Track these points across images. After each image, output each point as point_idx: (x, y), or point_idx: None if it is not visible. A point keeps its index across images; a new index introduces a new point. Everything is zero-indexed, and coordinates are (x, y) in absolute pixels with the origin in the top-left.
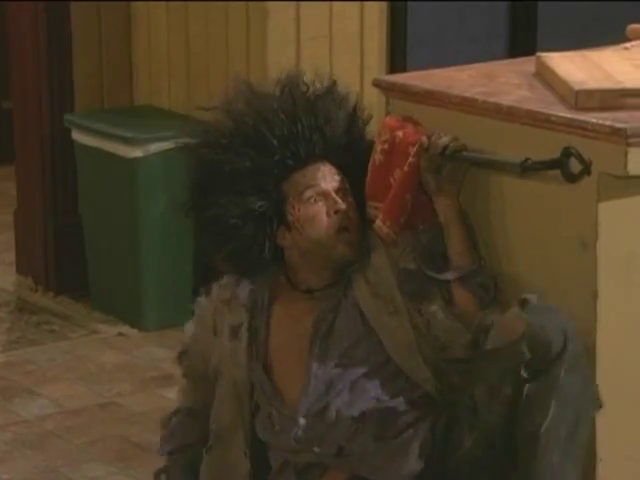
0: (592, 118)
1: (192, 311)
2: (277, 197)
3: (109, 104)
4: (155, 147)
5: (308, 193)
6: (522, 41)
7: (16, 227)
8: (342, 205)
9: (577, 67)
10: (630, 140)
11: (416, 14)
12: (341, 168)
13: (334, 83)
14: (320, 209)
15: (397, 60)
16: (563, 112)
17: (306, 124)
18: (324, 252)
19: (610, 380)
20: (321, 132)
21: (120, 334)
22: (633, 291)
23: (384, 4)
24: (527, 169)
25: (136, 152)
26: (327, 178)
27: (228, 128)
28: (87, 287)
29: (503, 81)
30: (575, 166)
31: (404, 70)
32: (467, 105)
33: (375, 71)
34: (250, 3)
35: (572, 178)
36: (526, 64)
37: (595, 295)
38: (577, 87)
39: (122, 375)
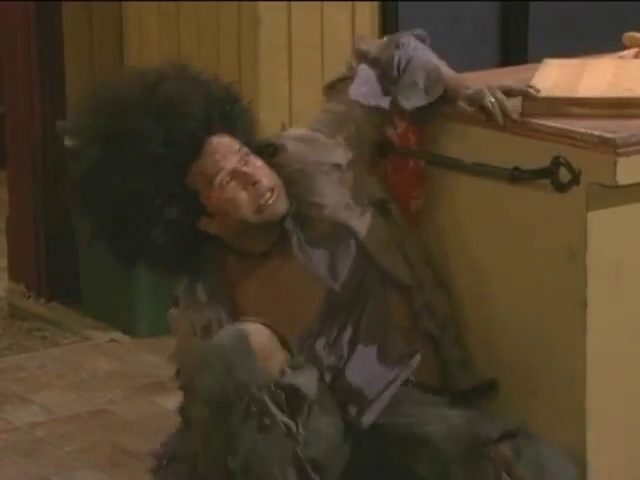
0: (581, 128)
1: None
2: (187, 196)
3: None
4: None
5: (217, 180)
6: (514, 48)
7: (8, 233)
8: (256, 175)
9: (558, 74)
10: (619, 150)
11: (407, 21)
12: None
13: (183, 67)
14: (236, 189)
15: None
16: (553, 122)
17: (162, 115)
18: (258, 222)
19: (599, 389)
20: (183, 115)
21: (112, 340)
22: (622, 300)
23: (375, 8)
24: (517, 178)
25: None
26: (226, 155)
27: (94, 156)
28: (79, 293)
29: None
30: (564, 175)
31: None
32: (457, 114)
33: None
34: (242, 9)
35: (561, 187)
36: (521, 72)
37: (584, 304)
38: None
39: (114, 382)
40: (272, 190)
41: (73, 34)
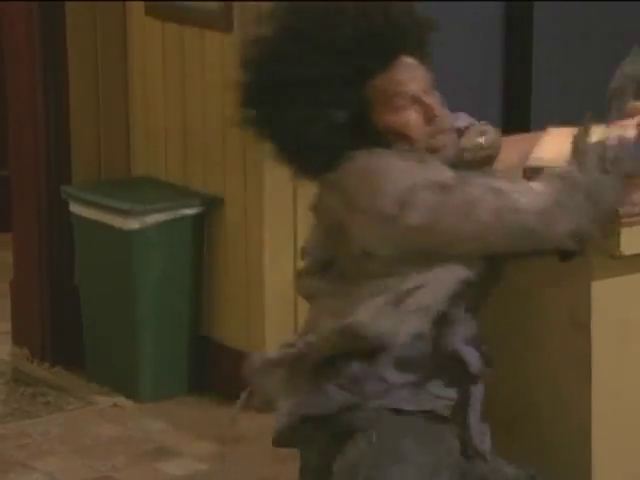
0: None
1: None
2: (360, 106)
3: (106, 175)
4: (152, 219)
5: (399, 101)
6: (516, 111)
7: (12, 297)
8: (438, 110)
9: (560, 143)
10: (623, 220)
11: None
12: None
13: None
14: (415, 117)
15: None
16: None
17: (380, 18)
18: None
19: (604, 446)
20: (396, 24)
21: (115, 405)
22: (626, 370)
23: None
24: None
25: (133, 224)
26: (416, 78)
27: (288, 32)
28: (83, 358)
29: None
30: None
31: None
32: None
33: None
34: None
35: (566, 257)
36: (523, 142)
37: (589, 374)
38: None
39: (117, 448)
40: (447, 132)
41: (80, 103)
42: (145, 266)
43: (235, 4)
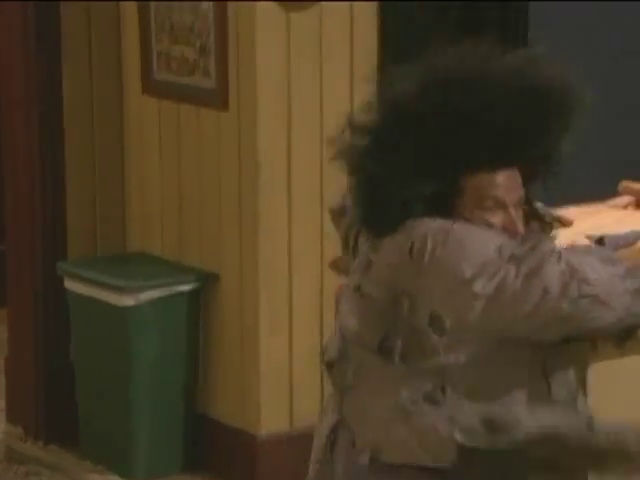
0: None
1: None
2: (450, 187)
3: (102, 250)
4: (146, 295)
5: (488, 203)
6: None
7: (7, 374)
8: (521, 229)
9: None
10: None
11: None
12: (525, 175)
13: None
14: (497, 220)
15: None
16: None
17: (522, 119)
18: None
19: None
20: (531, 139)
21: None
22: None
23: None
24: None
25: (127, 300)
26: (512, 190)
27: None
28: (77, 436)
29: None
30: None
31: None
32: None
33: None
34: (242, 156)
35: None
36: None
37: None
38: None
39: None
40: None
41: (75, 178)
42: (140, 343)
43: (231, 82)
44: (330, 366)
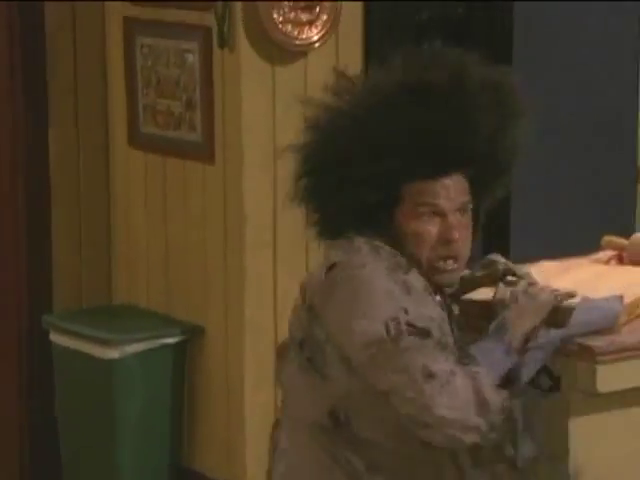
0: None
1: None
2: (391, 196)
3: (87, 303)
4: (132, 348)
5: (423, 209)
6: (495, 244)
7: None
8: (456, 235)
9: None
10: (598, 358)
11: None
12: (470, 180)
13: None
14: (431, 229)
15: None
16: None
17: (449, 129)
18: (422, 270)
19: None
20: (468, 142)
21: None
22: None
23: None
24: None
25: (112, 353)
26: (452, 196)
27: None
28: None
29: None
30: (545, 381)
31: None
32: None
33: None
34: (227, 209)
35: (543, 393)
36: None
37: None
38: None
39: None
40: (458, 260)
41: (61, 230)
42: (125, 396)
43: (216, 136)
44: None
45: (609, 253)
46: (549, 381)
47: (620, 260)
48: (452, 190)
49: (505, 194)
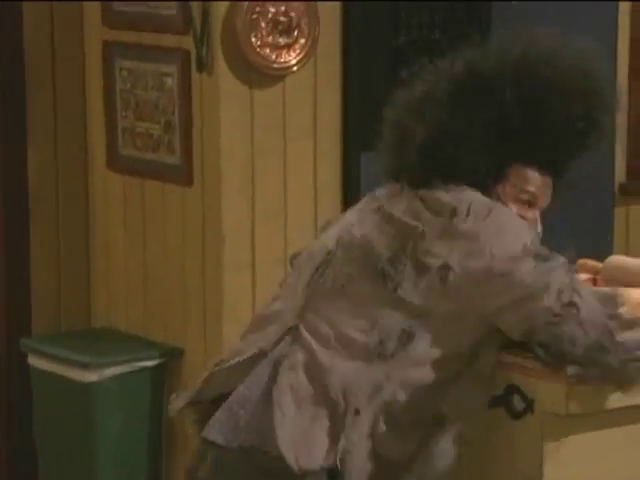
0: (534, 355)
1: None
2: (499, 171)
3: (66, 326)
4: (111, 371)
5: (526, 197)
6: None
7: None
8: (540, 229)
9: None
10: (570, 380)
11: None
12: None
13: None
14: (529, 216)
15: None
16: (506, 351)
17: (584, 139)
18: None
19: None
20: (579, 155)
21: None
22: None
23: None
24: None
25: (91, 376)
26: (546, 194)
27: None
28: None
29: None
30: (519, 404)
31: None
32: None
33: None
34: (206, 231)
35: (516, 415)
36: None
37: None
38: None
39: None
40: None
41: (40, 254)
42: (104, 419)
43: (195, 158)
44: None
45: (584, 276)
46: (522, 403)
47: (594, 283)
48: (548, 189)
49: None
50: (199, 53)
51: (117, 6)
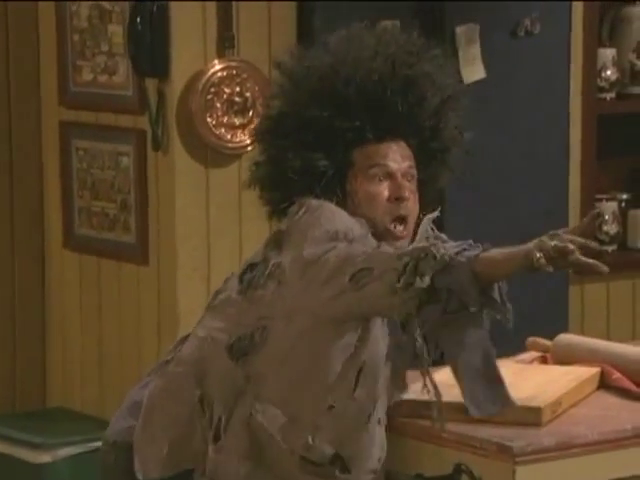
0: (480, 434)
1: None
2: (343, 162)
3: (21, 406)
4: (64, 452)
5: (375, 170)
6: None
7: None
8: (406, 193)
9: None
10: (517, 459)
11: None
12: (415, 152)
13: (441, 63)
14: (382, 190)
15: None
16: (454, 427)
17: (398, 96)
18: (374, 232)
19: None
20: (410, 110)
21: None
22: None
23: None
24: None
25: (44, 457)
26: (399, 160)
27: (319, 72)
28: None
29: None
30: None
31: None
32: None
33: None
34: (161, 310)
35: None
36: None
37: None
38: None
39: None
40: (407, 224)
41: None
42: None
43: (151, 237)
44: None
45: (534, 354)
46: None
47: (544, 361)
48: (399, 154)
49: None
50: (155, 133)
51: (74, 86)
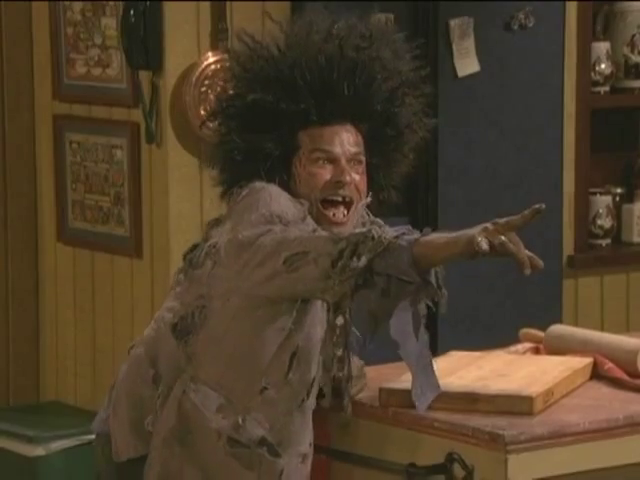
0: (472, 423)
1: None
2: (288, 145)
3: (15, 400)
4: (58, 445)
5: (318, 154)
6: None
7: None
8: (347, 178)
9: (444, 367)
10: (509, 447)
11: None
12: (366, 136)
13: (397, 48)
14: (324, 173)
15: None
16: (446, 417)
17: (344, 79)
18: (314, 218)
19: None
20: (357, 93)
21: None
22: None
23: None
24: (412, 474)
25: (38, 451)
26: (344, 144)
27: (267, 57)
28: None
29: None
30: (459, 471)
31: None
32: (356, 408)
33: None
34: (155, 303)
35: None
36: None
37: None
38: (384, 385)
39: None
40: (349, 209)
41: None
42: None
43: (144, 231)
44: None
45: (527, 345)
46: (462, 470)
47: (537, 352)
48: (345, 138)
49: (407, 171)
50: (148, 126)
51: (67, 80)
